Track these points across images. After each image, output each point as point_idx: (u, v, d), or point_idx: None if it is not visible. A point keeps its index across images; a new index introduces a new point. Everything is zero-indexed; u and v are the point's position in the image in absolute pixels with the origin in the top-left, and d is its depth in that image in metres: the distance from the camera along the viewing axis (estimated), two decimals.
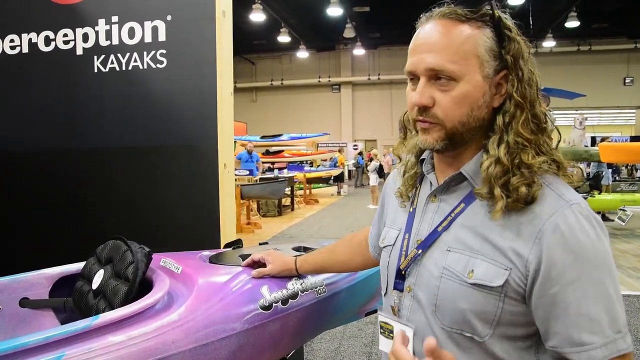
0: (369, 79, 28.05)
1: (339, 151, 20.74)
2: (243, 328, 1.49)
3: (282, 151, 18.88)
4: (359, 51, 25.63)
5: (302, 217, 12.83)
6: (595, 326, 0.85)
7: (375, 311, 2.35)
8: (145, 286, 1.56)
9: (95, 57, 2.80)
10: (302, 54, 25.83)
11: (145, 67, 2.71)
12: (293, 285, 1.69)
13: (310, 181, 16.96)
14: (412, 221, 1.05)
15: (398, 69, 26.87)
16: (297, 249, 2.09)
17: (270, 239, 9.76)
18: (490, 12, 0.93)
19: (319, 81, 28.43)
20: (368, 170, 15.15)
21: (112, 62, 2.77)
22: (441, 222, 0.98)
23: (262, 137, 17.75)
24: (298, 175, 15.61)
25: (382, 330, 1.06)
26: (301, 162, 18.91)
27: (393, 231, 1.10)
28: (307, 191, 16.63)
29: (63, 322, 1.75)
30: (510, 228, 0.90)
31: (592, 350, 0.85)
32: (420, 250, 0.99)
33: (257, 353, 1.55)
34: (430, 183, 1.06)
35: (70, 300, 1.83)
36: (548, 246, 0.86)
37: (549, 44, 21.90)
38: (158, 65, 2.70)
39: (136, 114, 2.74)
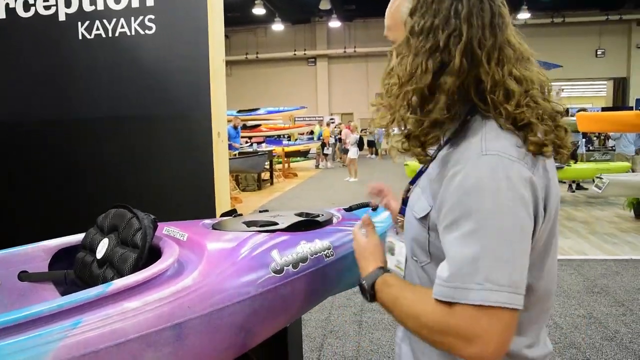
0: (344, 51, 27.83)
1: (327, 124, 20.70)
2: (257, 292, 1.47)
3: (259, 125, 18.71)
4: (334, 24, 25.35)
5: (282, 190, 12.82)
6: (452, 268, 0.89)
7: None
8: (152, 254, 1.53)
9: (79, 23, 2.68)
10: (278, 26, 25.42)
11: (133, 33, 2.61)
12: (302, 248, 1.68)
13: (288, 155, 16.91)
14: None
15: (374, 42, 27.00)
16: (299, 214, 2.07)
17: (251, 213, 9.72)
18: None
19: (295, 54, 28.09)
20: (347, 143, 15.15)
21: (97, 29, 2.66)
22: (425, 166, 1.14)
23: (239, 111, 17.51)
24: (276, 149, 15.53)
25: (388, 250, 1.23)
26: (279, 136, 18.80)
27: None
28: (286, 165, 16.59)
29: (64, 295, 1.70)
30: (438, 171, 1.00)
31: (439, 285, 0.91)
32: (411, 185, 1.18)
33: (270, 316, 1.54)
34: None
35: (71, 272, 1.78)
36: (446, 190, 0.93)
37: (523, 15, 22.00)
38: (147, 32, 2.60)
39: (125, 82, 2.65)
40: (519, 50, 1.01)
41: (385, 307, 1.06)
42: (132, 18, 2.61)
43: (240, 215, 2.15)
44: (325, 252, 1.74)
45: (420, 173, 1.15)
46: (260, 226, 1.83)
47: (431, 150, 1.08)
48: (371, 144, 24.82)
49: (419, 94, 0.98)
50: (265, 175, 13.94)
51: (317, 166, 19.47)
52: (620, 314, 4.16)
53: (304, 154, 18.46)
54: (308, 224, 1.88)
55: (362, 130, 25.15)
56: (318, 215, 2.01)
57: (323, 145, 19.91)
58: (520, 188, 0.89)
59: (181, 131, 2.63)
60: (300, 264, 1.63)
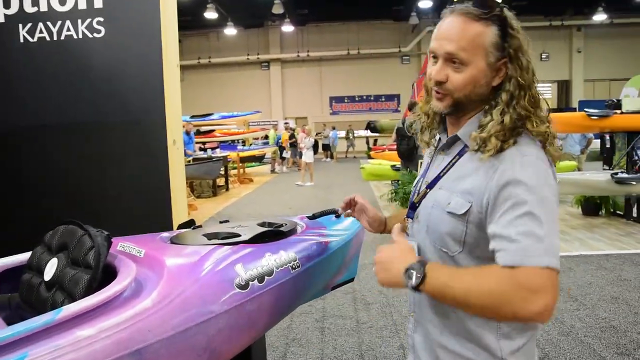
0: (298, 56, 27.82)
1: (286, 129, 20.66)
2: (222, 310, 1.39)
3: (213, 131, 18.39)
4: (287, 28, 25.29)
5: (238, 196, 12.65)
6: (517, 240, 1.08)
7: (340, 285, 2.32)
8: (106, 274, 1.42)
9: (21, 25, 2.50)
10: (230, 31, 25.14)
11: (81, 36, 2.45)
12: (267, 261, 1.60)
13: (243, 160, 16.70)
14: (427, 169, 1.39)
15: (327, 46, 27.12)
16: (262, 224, 1.99)
17: (208, 220, 9.54)
18: (499, 13, 1.20)
19: (248, 59, 27.84)
20: (302, 147, 15.05)
21: (41, 31, 2.49)
22: (442, 169, 1.29)
23: (192, 116, 17.13)
24: (231, 154, 15.31)
25: None
26: (233, 141, 18.55)
27: (418, 178, 1.43)
28: (241, 170, 16.38)
29: (9, 321, 1.56)
30: (479, 173, 1.18)
31: (509, 254, 1.08)
32: (428, 190, 1.32)
33: (235, 335, 1.46)
34: (440, 140, 1.37)
35: (15, 296, 1.64)
36: (497, 185, 1.13)
37: None
38: (95, 35, 2.45)
39: (73, 88, 2.48)
40: None
41: (436, 290, 1.13)
42: (79, 20, 2.45)
43: (200, 226, 2.05)
44: (291, 264, 1.68)
45: (438, 178, 1.30)
46: (222, 238, 1.74)
47: (448, 157, 1.30)
48: (326, 147, 24.90)
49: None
50: (221, 181, 13.70)
51: (272, 171, 19.34)
52: (575, 309, 4.28)
53: (259, 159, 18.27)
54: (272, 234, 1.81)
55: (316, 133, 25.25)
56: (281, 225, 1.94)
57: (282, 149, 19.81)
58: (552, 182, 1.16)
59: (134, 139, 2.49)
60: (265, 277, 1.55)
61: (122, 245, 1.64)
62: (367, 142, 25.12)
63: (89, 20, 2.46)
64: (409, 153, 9.08)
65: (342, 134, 26.09)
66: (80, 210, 2.48)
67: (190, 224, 2.29)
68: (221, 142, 17.59)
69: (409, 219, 1.38)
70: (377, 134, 22.81)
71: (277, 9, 21.31)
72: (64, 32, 2.47)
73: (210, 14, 21.26)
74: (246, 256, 1.57)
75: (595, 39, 26.20)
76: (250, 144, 19.04)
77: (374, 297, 4.79)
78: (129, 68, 2.46)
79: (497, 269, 1.10)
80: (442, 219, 1.24)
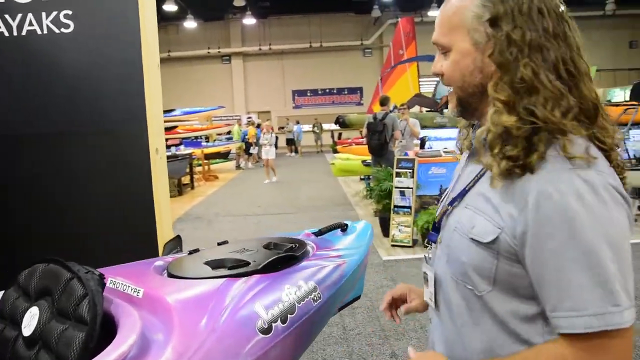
0: (260, 49, 27.42)
1: (257, 125, 20.27)
2: None
3: (175, 127, 17.85)
4: (249, 21, 24.82)
5: (204, 195, 12.34)
6: (581, 295, 0.83)
7: (347, 304, 2.13)
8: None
9: None
10: (190, 24, 24.47)
11: (45, 32, 2.13)
12: (287, 295, 1.38)
13: (208, 157, 16.30)
14: (457, 181, 1.12)
15: (289, 39, 26.83)
16: (267, 246, 1.76)
17: (176, 221, 9.17)
18: None
19: (209, 52, 27.24)
20: (264, 144, 14.68)
21: None
22: (470, 182, 1.03)
23: None
24: (195, 151, 14.90)
25: (424, 280, 1.14)
26: (196, 137, 18.07)
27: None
28: (206, 167, 15.98)
29: None
30: (508, 191, 0.91)
31: (574, 317, 0.83)
32: (450, 207, 1.06)
33: None
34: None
35: None
36: (536, 210, 0.86)
37: (434, 13, 22.81)
38: (63, 30, 2.13)
39: (37, 92, 2.15)
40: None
41: None
42: (44, 13, 2.12)
43: (197, 250, 1.79)
44: (312, 296, 1.46)
45: (464, 192, 1.03)
46: (230, 268, 1.50)
47: (478, 167, 1.01)
48: (290, 141, 24.62)
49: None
50: (186, 180, 13.30)
51: (237, 167, 18.96)
52: None
53: (225, 156, 17.87)
54: (285, 259, 1.58)
55: (279, 128, 24.93)
56: (291, 247, 1.71)
57: (249, 145, 19.42)
58: (615, 195, 0.88)
59: (112, 149, 2.18)
60: (288, 316, 1.33)
61: (113, 281, 1.37)
62: (332, 136, 24.96)
63: (54, 13, 2.13)
64: (379, 148, 8.96)
65: (306, 127, 25.83)
66: (54, 230, 2.18)
67: (177, 241, 2.04)
68: (184, 138, 17.10)
69: (432, 242, 1.13)
70: (345, 129, 22.71)
71: (239, 2, 20.89)
72: (26, 27, 2.13)
73: (169, 6, 20.58)
74: (264, 291, 1.34)
75: None
76: (214, 140, 18.60)
77: (359, 300, 4.63)
78: (102, 69, 2.15)
79: (551, 351, 0.87)
80: (464, 246, 0.97)
